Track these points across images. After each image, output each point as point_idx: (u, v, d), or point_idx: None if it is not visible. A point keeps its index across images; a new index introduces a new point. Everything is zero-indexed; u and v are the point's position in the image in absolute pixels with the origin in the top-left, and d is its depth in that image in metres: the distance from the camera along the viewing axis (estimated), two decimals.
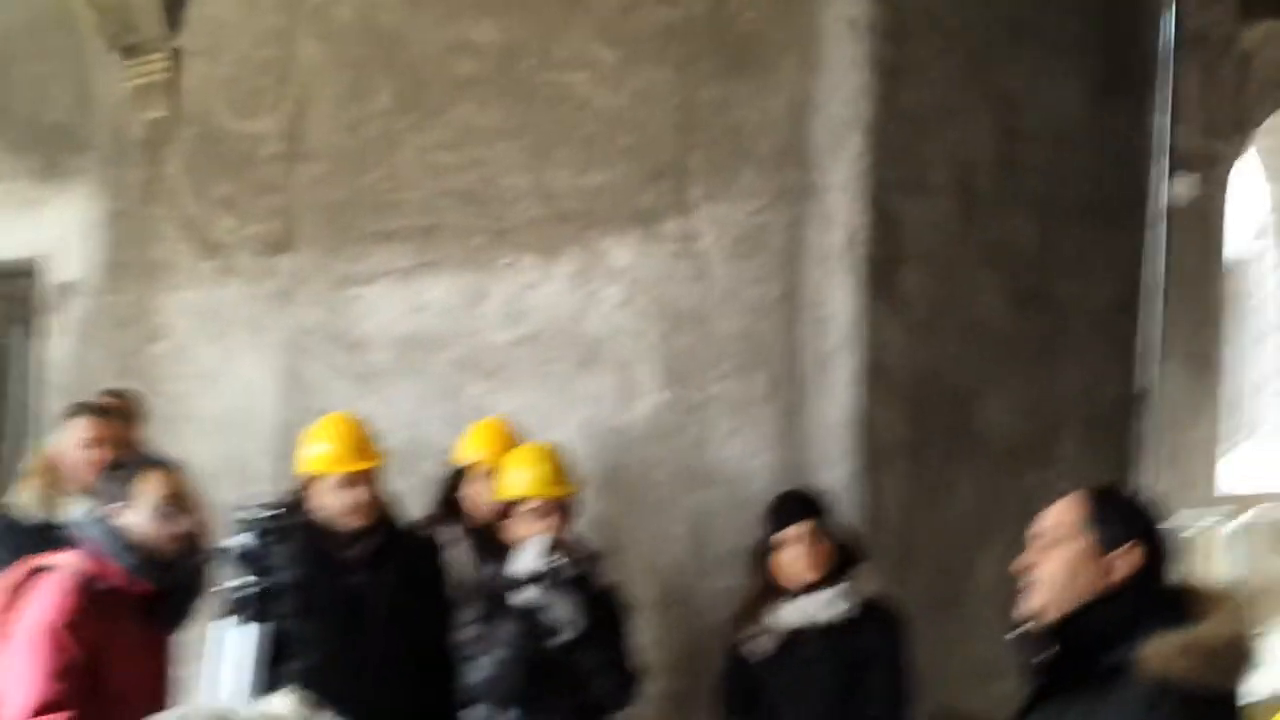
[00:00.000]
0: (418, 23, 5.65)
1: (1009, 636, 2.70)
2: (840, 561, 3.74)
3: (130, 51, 7.03)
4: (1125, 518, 2.63)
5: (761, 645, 3.74)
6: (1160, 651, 2.43)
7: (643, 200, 4.85)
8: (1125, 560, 2.58)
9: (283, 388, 6.13)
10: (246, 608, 3.82)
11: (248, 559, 3.88)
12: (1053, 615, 2.60)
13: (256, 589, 3.82)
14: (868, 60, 4.37)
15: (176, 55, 6.83)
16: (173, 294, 6.78)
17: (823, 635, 3.69)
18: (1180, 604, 2.55)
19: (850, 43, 4.39)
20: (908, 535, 4.39)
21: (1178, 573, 2.70)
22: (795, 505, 3.80)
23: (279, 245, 6.24)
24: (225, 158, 6.53)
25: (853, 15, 4.38)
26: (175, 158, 6.82)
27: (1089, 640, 2.56)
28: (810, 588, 3.70)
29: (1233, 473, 11.25)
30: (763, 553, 3.78)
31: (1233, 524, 9.79)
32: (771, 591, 3.74)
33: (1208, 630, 2.46)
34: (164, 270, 6.84)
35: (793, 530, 3.72)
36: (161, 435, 5.97)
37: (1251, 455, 12.19)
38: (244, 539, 3.89)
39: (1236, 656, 2.48)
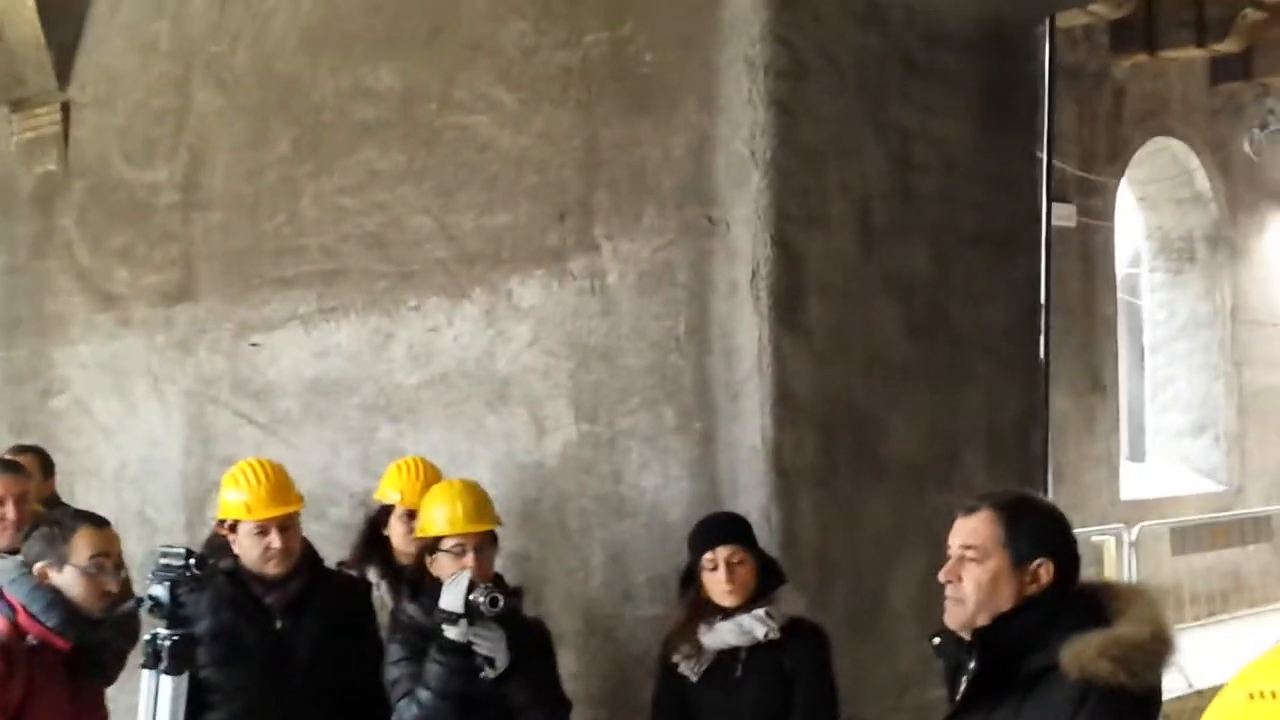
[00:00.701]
0: (315, 69, 5.67)
1: (931, 644, 2.78)
2: (764, 583, 3.82)
3: (19, 105, 6.96)
4: (1038, 531, 2.73)
5: (691, 667, 3.80)
6: (1081, 653, 2.51)
7: (548, 240, 4.92)
8: (1040, 572, 2.68)
9: (187, 438, 6.08)
10: (167, 658, 3.78)
11: (164, 608, 3.84)
12: (975, 628, 2.70)
13: (175, 638, 3.78)
14: (765, 99, 4.48)
15: (66, 107, 6.77)
16: (69, 348, 6.70)
17: (750, 655, 3.77)
18: (1096, 605, 2.65)
19: (748, 82, 4.49)
20: (823, 556, 4.49)
21: (1090, 576, 2.81)
22: (718, 529, 3.88)
23: (178, 295, 6.20)
24: (120, 208, 6.48)
25: (750, 55, 4.49)
26: (68, 210, 6.76)
27: (1009, 648, 2.65)
28: (737, 609, 3.78)
29: (1127, 485, 11.58)
30: (689, 576, 3.86)
31: (1129, 534, 10.06)
32: (699, 614, 3.80)
33: (1125, 630, 2.55)
34: (59, 324, 6.76)
35: (716, 554, 3.79)
36: (63, 490, 5.90)
37: (1143, 468, 12.56)
38: (160, 589, 3.85)
39: (1155, 654, 2.58)
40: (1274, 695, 1.17)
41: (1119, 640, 2.53)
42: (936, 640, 2.79)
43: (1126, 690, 2.50)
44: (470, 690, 3.73)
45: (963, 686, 2.70)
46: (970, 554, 2.71)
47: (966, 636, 2.72)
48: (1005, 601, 2.68)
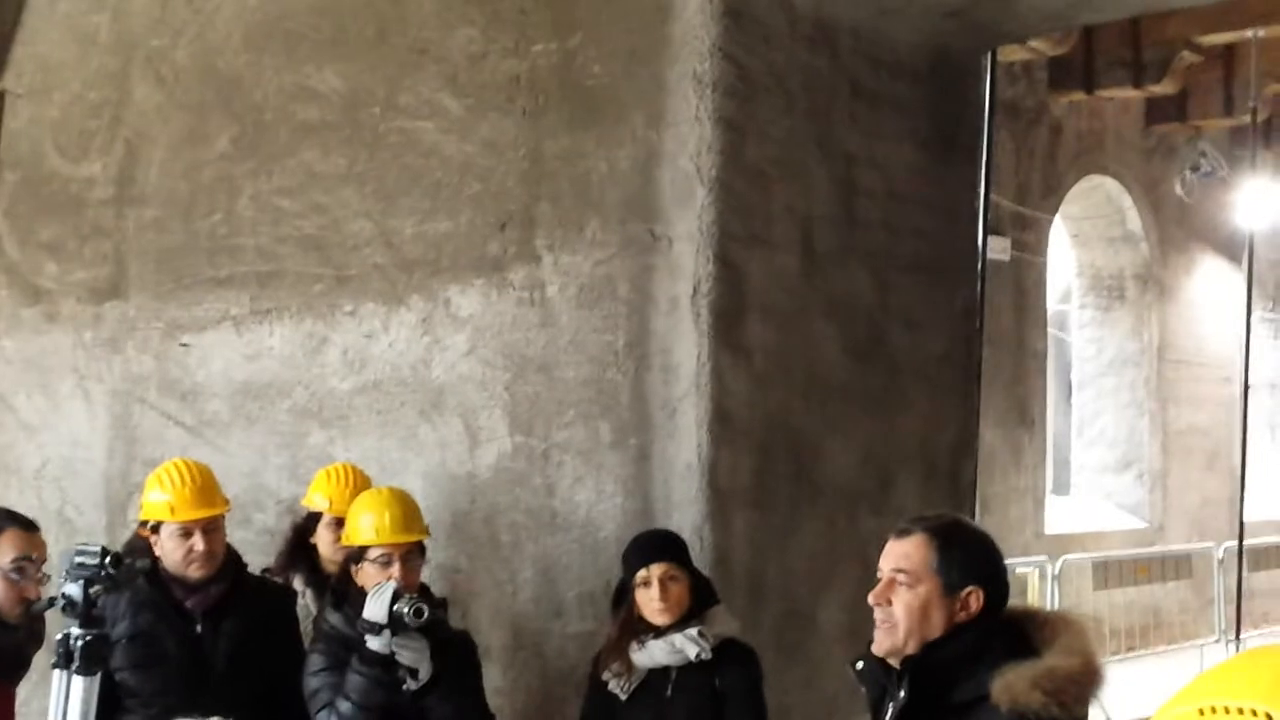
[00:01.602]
0: (258, 68, 5.60)
1: (854, 669, 2.75)
2: (697, 603, 3.79)
3: None
4: (969, 560, 2.69)
5: (621, 685, 3.76)
6: (1013, 685, 2.49)
7: (489, 249, 4.87)
8: (971, 600, 2.66)
9: (111, 438, 5.96)
10: (79, 658, 3.68)
11: (78, 608, 3.74)
12: (904, 655, 2.66)
13: (88, 638, 3.68)
14: (712, 116, 4.48)
15: (1, 97, 6.63)
16: None
17: (681, 674, 3.74)
18: (1023, 633, 2.63)
19: (695, 99, 4.49)
20: (755, 577, 4.47)
21: (1018, 603, 2.80)
22: (653, 546, 3.85)
23: (108, 291, 6.08)
24: (52, 202, 6.35)
25: (698, 72, 4.49)
26: None
27: (939, 677, 2.62)
28: (669, 628, 3.74)
29: (1051, 519, 11.69)
30: (622, 593, 3.82)
31: (1053, 566, 10.15)
32: (631, 632, 3.77)
33: (1057, 661, 2.53)
34: None
35: (649, 571, 3.76)
36: None
37: (1067, 502, 12.69)
38: (74, 588, 3.75)
39: (1086, 685, 2.56)
40: (1226, 710, 1.16)
41: (1051, 672, 2.51)
42: (859, 665, 2.74)
43: None
44: (392, 702, 3.68)
45: (889, 715, 2.68)
46: (902, 578, 2.67)
47: (893, 663, 2.69)
48: (935, 629, 2.64)
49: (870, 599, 2.71)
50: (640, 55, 4.59)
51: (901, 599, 2.66)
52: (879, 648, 2.70)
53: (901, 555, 2.70)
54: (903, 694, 2.64)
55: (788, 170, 4.66)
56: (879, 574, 2.73)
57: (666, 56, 4.55)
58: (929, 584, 2.65)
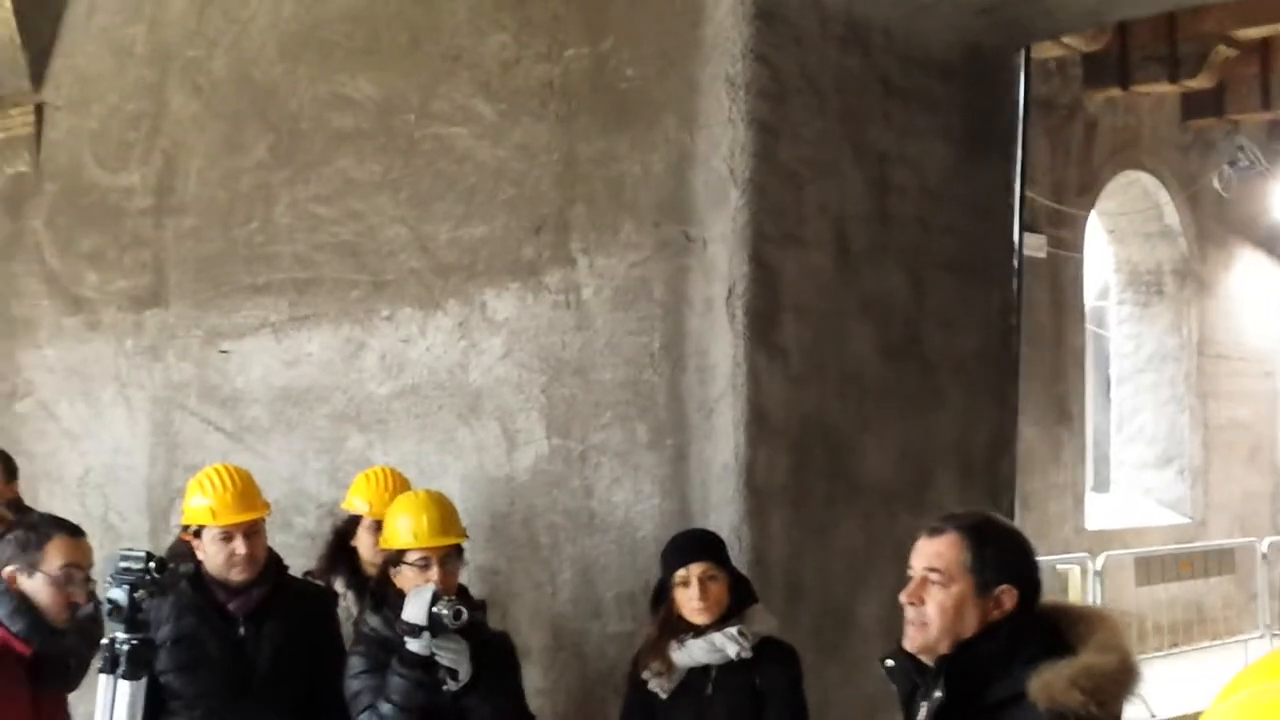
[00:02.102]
0: (293, 77, 5.65)
1: (884, 666, 2.74)
2: (736, 602, 3.80)
3: None
4: (1001, 558, 2.68)
5: (661, 684, 3.78)
6: (1051, 684, 2.48)
7: (524, 253, 4.90)
8: (1004, 598, 2.65)
9: (154, 445, 6.02)
10: (125, 663, 3.72)
11: (123, 612, 3.78)
12: (936, 653, 2.66)
13: (134, 643, 3.73)
14: (745, 118, 4.49)
15: (40, 109, 6.72)
16: (36, 351, 6.63)
17: (721, 673, 3.75)
18: (1056, 630, 2.62)
19: (728, 100, 4.50)
20: (793, 576, 4.47)
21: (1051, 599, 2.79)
22: (691, 546, 3.86)
23: (148, 300, 6.15)
24: (91, 212, 6.43)
25: (730, 74, 4.49)
26: (38, 212, 6.70)
27: (974, 676, 2.61)
28: (708, 627, 3.75)
29: (1091, 515, 11.62)
30: (661, 593, 3.84)
31: (1094, 563, 10.10)
32: (671, 631, 3.78)
33: (1094, 659, 2.52)
34: (26, 327, 6.69)
35: (688, 571, 3.77)
36: (26, 495, 5.83)
37: (1107, 499, 12.61)
38: (120, 593, 3.80)
39: (1123, 683, 2.55)
40: None
41: (1089, 670, 2.50)
42: (890, 663, 2.74)
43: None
44: (432, 703, 3.70)
45: (921, 713, 2.67)
46: (935, 577, 2.66)
47: (926, 661, 2.68)
48: (968, 627, 2.64)
49: (902, 597, 2.71)
50: (672, 58, 4.61)
51: (935, 598, 2.66)
52: (911, 644, 2.69)
53: (934, 554, 2.69)
54: (939, 693, 2.63)
55: (821, 170, 4.67)
56: (911, 572, 2.72)
57: (698, 59, 4.56)
58: (962, 583, 2.65)
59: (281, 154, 5.66)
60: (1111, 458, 13.08)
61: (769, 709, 3.76)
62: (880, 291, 4.85)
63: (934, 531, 2.73)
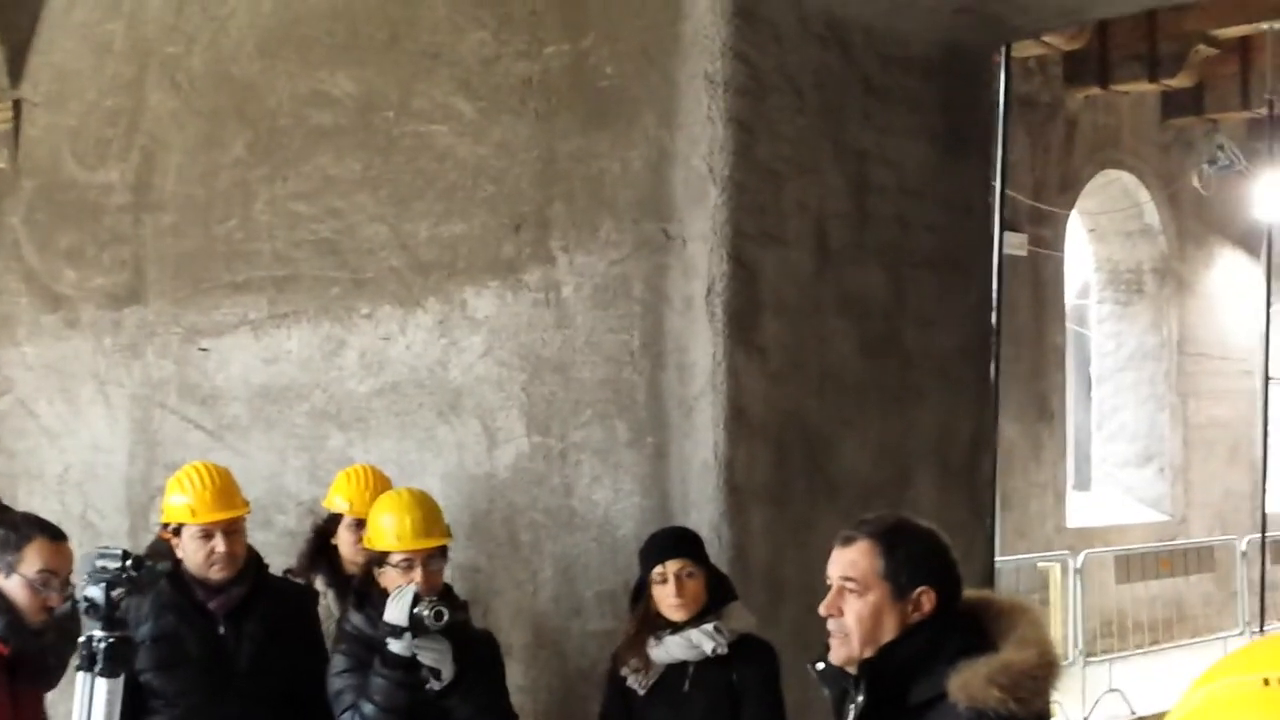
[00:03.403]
0: (272, 74, 5.63)
1: (814, 671, 2.73)
2: (714, 599, 3.81)
3: None
4: (916, 561, 2.66)
5: (639, 680, 3.78)
6: (969, 682, 2.48)
7: (504, 250, 4.90)
8: (922, 600, 2.64)
9: (133, 443, 6.00)
10: (102, 660, 3.71)
11: (100, 610, 3.76)
12: (858, 659, 2.65)
13: (111, 640, 3.71)
14: (724, 115, 4.49)
15: (18, 105, 6.69)
16: (14, 348, 6.60)
17: (698, 670, 3.76)
18: (979, 626, 2.62)
19: (708, 98, 4.50)
20: (774, 574, 4.48)
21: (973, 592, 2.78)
22: (668, 543, 3.87)
23: (127, 297, 6.13)
24: (70, 209, 6.40)
25: (710, 72, 4.49)
26: (16, 209, 6.67)
27: (896, 677, 2.61)
28: (685, 624, 3.76)
29: (1072, 513, 11.67)
30: (639, 590, 3.84)
31: (1075, 560, 10.14)
32: (648, 628, 3.79)
33: (1012, 656, 2.51)
34: (4, 324, 6.67)
35: (665, 568, 3.78)
36: (4, 492, 5.80)
37: (1088, 497, 12.66)
38: (96, 590, 3.78)
39: (1043, 679, 2.54)
40: None
41: (1007, 668, 2.49)
42: (820, 666, 2.73)
43: (1016, 718, 2.48)
44: (415, 703, 3.69)
45: (849, 717, 2.67)
46: (850, 585, 2.65)
47: (850, 670, 2.68)
48: (888, 632, 2.63)
49: (821, 610, 2.70)
50: (652, 56, 4.61)
51: (852, 608, 2.64)
52: (835, 657, 2.68)
53: (848, 563, 2.67)
54: (861, 697, 2.63)
55: (800, 168, 4.67)
56: (827, 582, 2.71)
57: (678, 57, 4.56)
58: (878, 590, 2.63)
59: (260, 151, 5.64)
60: (1092, 456, 13.14)
61: (746, 705, 3.77)
62: (860, 289, 4.86)
63: (846, 540, 2.71)
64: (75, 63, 6.43)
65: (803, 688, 4.23)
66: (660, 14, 4.59)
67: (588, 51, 4.73)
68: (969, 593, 2.75)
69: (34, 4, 6.58)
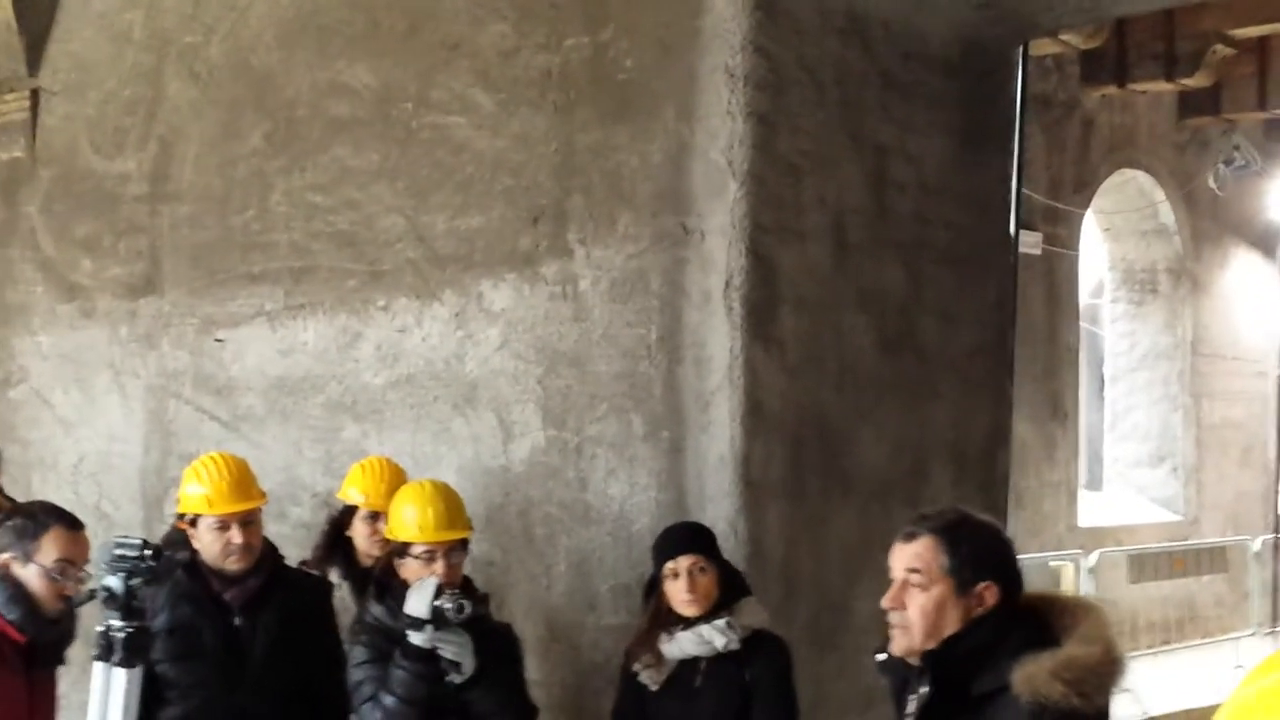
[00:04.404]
0: (291, 64, 5.63)
1: (876, 660, 2.75)
2: (726, 594, 3.80)
3: None
4: (979, 555, 2.69)
5: (652, 676, 3.77)
6: (1033, 676, 2.49)
7: (521, 243, 4.89)
8: (985, 594, 2.66)
9: (148, 433, 6.01)
10: (120, 650, 3.71)
11: (119, 600, 3.76)
12: (919, 651, 2.67)
13: (130, 631, 3.71)
14: (744, 109, 4.47)
15: (36, 94, 6.69)
16: (30, 338, 6.61)
17: (710, 665, 3.75)
18: (1043, 621, 2.63)
19: (727, 92, 4.48)
20: (789, 569, 4.47)
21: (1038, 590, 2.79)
22: (681, 538, 3.86)
23: (143, 287, 6.13)
24: (87, 198, 6.41)
25: (730, 65, 4.48)
26: (33, 198, 6.68)
27: (959, 670, 2.63)
28: (698, 619, 3.75)
29: (1084, 512, 11.64)
30: (652, 584, 3.83)
31: (1087, 560, 10.11)
32: (661, 623, 3.78)
33: (1077, 651, 2.53)
34: (20, 313, 6.67)
35: (678, 563, 3.77)
36: (20, 482, 5.81)
37: (1100, 496, 12.63)
38: (115, 580, 3.78)
39: (1107, 675, 2.55)
40: None
41: (1071, 662, 2.51)
42: (882, 657, 2.76)
43: (1079, 713, 2.48)
44: (435, 695, 3.69)
45: (910, 707, 2.68)
46: (915, 579, 2.67)
47: (912, 660, 2.69)
48: (951, 626, 2.65)
49: (884, 603, 2.72)
50: (671, 49, 4.59)
51: (916, 601, 2.67)
52: (896, 649, 2.71)
53: (912, 557, 2.70)
54: (925, 689, 2.65)
55: (819, 163, 4.66)
56: (891, 576, 2.73)
57: (698, 50, 4.54)
58: (942, 585, 2.66)
59: (278, 142, 5.64)
60: (1105, 455, 13.10)
61: (757, 700, 3.75)
62: (877, 284, 4.84)
63: (909, 535, 2.74)
64: (94, 52, 6.44)
65: (816, 683, 4.23)
66: (680, 7, 4.57)
67: (607, 44, 4.72)
68: (1033, 591, 2.78)
69: None
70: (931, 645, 2.65)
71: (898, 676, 2.74)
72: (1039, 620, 2.63)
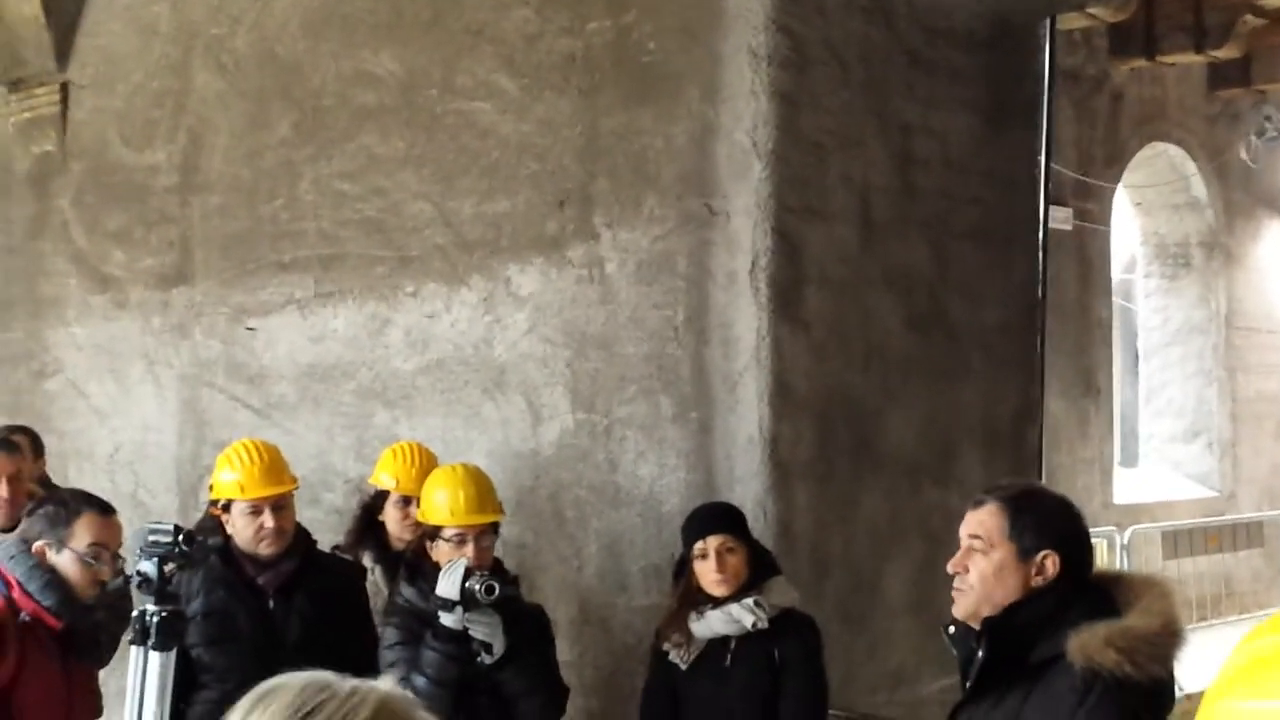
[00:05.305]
0: (316, 54, 5.66)
1: (946, 633, 2.79)
2: (756, 573, 3.81)
3: (17, 85, 6.94)
4: (1044, 523, 2.75)
5: (681, 655, 3.79)
6: (1087, 643, 2.52)
7: (547, 227, 4.90)
8: (1046, 564, 2.70)
9: (182, 422, 6.06)
10: (155, 634, 3.75)
11: (153, 585, 3.80)
12: (981, 617, 2.71)
13: (164, 615, 3.75)
14: (768, 89, 4.47)
15: (66, 88, 6.75)
16: (64, 329, 6.68)
17: (739, 645, 3.76)
18: (1108, 597, 2.66)
19: (750, 72, 4.48)
20: (818, 549, 4.48)
21: (1105, 567, 2.81)
22: (709, 518, 3.87)
23: (174, 278, 6.19)
24: (117, 190, 6.46)
25: (753, 45, 4.48)
26: (65, 191, 6.73)
27: (1018, 637, 2.67)
28: (727, 598, 3.76)
29: (1119, 489, 11.58)
30: (682, 564, 3.85)
31: (1121, 537, 10.07)
32: (690, 603, 3.79)
33: (1134, 621, 2.56)
34: (54, 305, 6.74)
35: (707, 543, 3.78)
36: (56, 472, 5.87)
37: (1135, 473, 12.56)
38: (149, 565, 3.81)
39: (1163, 646, 2.57)
40: None
41: (1126, 631, 2.54)
42: (951, 629, 2.82)
43: (1132, 681, 2.50)
44: (466, 676, 3.72)
45: (973, 674, 2.71)
46: (976, 544, 2.75)
47: (976, 626, 2.73)
48: (1010, 592, 2.70)
49: (949, 567, 2.80)
50: (694, 30, 4.59)
51: (976, 565, 2.74)
52: (956, 610, 2.78)
53: (976, 523, 2.77)
54: (982, 653, 2.68)
55: (844, 142, 4.65)
56: (960, 542, 2.80)
57: (721, 30, 4.54)
58: (1003, 550, 2.72)
59: (305, 131, 5.67)
60: (1139, 432, 13.03)
61: (787, 679, 3.76)
62: (904, 263, 4.84)
63: (977, 503, 2.82)
64: (122, 45, 6.48)
65: (846, 662, 4.24)
66: None
67: (630, 27, 4.72)
68: (1106, 569, 2.83)
69: None
70: (989, 610, 2.70)
71: (964, 648, 2.78)
72: (1106, 595, 2.66)
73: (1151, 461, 12.80)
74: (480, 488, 3.91)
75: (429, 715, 1.48)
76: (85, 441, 6.47)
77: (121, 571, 3.70)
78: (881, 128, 4.77)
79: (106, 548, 3.48)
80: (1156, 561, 10.62)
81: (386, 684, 1.45)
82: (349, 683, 1.42)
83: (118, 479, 6.22)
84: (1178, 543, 10.90)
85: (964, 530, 2.79)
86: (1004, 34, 5.20)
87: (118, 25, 6.51)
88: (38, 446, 5.58)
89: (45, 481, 5.25)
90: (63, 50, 6.68)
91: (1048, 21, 5.81)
